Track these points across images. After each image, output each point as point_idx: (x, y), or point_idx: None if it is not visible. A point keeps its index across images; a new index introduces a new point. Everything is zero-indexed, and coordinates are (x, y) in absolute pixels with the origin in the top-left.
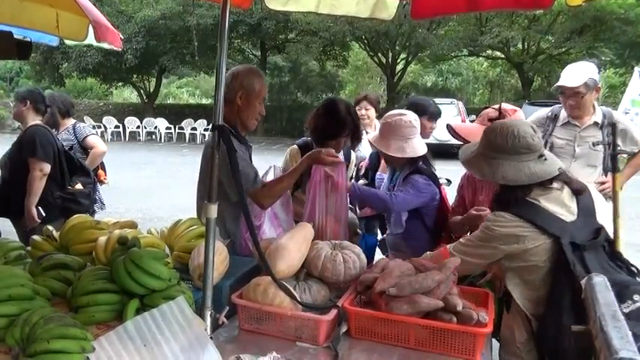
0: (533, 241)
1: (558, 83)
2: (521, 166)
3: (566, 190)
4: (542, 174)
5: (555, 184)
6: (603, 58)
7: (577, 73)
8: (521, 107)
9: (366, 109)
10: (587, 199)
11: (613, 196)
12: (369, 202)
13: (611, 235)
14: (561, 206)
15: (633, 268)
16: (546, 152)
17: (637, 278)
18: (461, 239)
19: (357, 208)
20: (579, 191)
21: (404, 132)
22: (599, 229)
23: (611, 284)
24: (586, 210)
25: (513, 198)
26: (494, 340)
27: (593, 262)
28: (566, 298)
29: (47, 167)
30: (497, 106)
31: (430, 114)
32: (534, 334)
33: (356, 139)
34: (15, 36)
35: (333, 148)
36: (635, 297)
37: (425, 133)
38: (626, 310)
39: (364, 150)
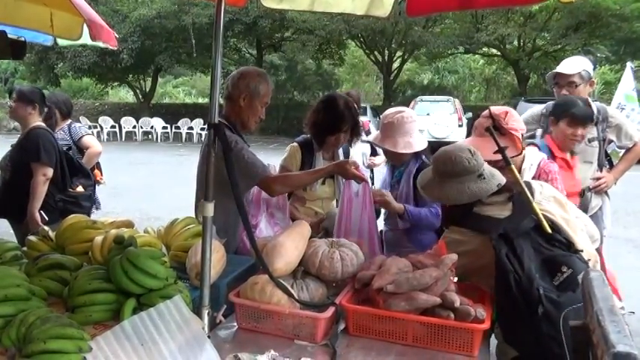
0: (471, 242)
1: (554, 71)
2: (461, 187)
3: (504, 197)
4: (481, 192)
5: (494, 198)
6: (599, 54)
7: (572, 64)
8: (517, 104)
9: None
10: (520, 197)
11: (517, 184)
12: (423, 223)
13: (603, 230)
14: (496, 209)
15: (572, 245)
16: (486, 171)
17: (579, 253)
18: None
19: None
20: (511, 196)
21: (407, 128)
22: (526, 218)
23: (543, 263)
24: (521, 203)
25: (457, 214)
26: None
27: (525, 246)
28: (500, 286)
29: (50, 171)
30: (487, 114)
31: (571, 117)
32: None
33: (355, 134)
34: (9, 35)
35: (332, 144)
36: (563, 268)
37: (568, 143)
38: (556, 283)
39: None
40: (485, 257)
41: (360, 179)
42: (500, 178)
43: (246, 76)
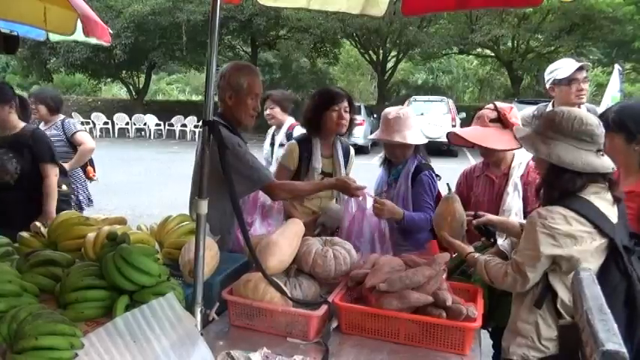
0: (590, 242)
1: (573, 69)
2: (578, 152)
3: (610, 194)
4: (598, 166)
5: (602, 194)
6: (591, 57)
7: (574, 62)
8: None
9: (271, 108)
10: (622, 204)
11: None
12: (418, 226)
13: None
14: (608, 208)
15: None
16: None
17: None
18: (514, 255)
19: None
20: (619, 199)
21: (411, 122)
22: (633, 234)
23: None
24: (622, 213)
25: (570, 185)
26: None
27: (638, 266)
28: (619, 303)
29: (57, 170)
30: (491, 106)
31: None
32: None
33: (353, 112)
34: (1, 29)
35: (334, 122)
36: None
37: None
38: None
39: None
40: (587, 261)
41: (361, 192)
42: (614, 165)
43: (225, 74)
